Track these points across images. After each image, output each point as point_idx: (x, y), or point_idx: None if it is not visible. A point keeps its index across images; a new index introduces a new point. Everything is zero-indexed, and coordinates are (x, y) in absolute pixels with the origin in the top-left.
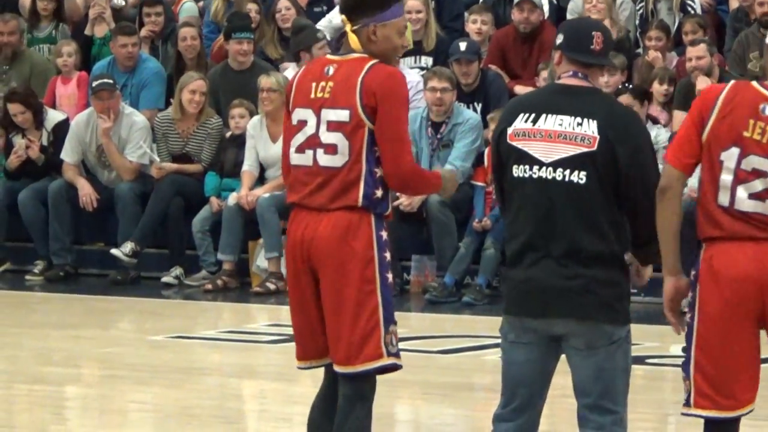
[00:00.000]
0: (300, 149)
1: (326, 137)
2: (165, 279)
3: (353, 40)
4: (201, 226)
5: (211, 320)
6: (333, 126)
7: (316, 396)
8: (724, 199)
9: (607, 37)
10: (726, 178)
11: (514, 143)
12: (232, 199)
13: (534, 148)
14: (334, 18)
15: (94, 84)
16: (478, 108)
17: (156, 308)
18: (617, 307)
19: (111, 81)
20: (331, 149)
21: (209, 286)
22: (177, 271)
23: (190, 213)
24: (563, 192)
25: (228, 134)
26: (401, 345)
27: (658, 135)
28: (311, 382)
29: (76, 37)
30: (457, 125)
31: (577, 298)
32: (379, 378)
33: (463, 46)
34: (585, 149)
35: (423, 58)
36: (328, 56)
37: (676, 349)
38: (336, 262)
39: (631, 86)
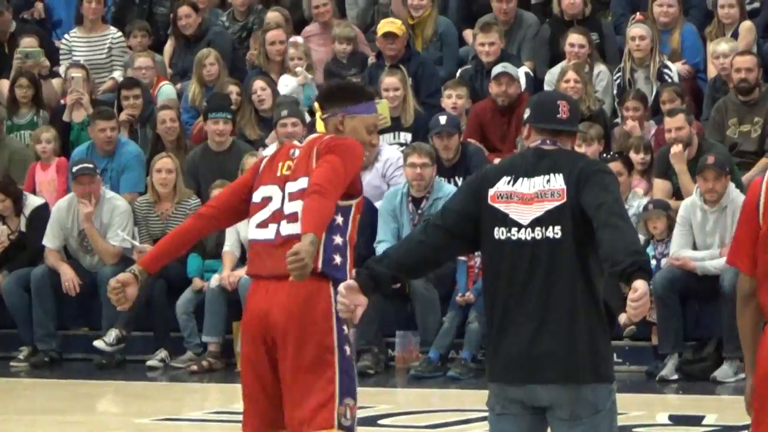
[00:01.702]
0: (263, 225)
1: (288, 207)
2: (150, 362)
3: (320, 126)
4: (185, 308)
5: (197, 401)
6: (294, 196)
7: None
8: None
9: (573, 105)
10: None
11: (496, 204)
12: (214, 280)
13: (513, 211)
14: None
15: (75, 169)
16: (459, 182)
17: (142, 391)
18: (599, 365)
19: (91, 165)
20: (293, 217)
21: (195, 368)
22: (162, 353)
23: (174, 295)
24: (541, 251)
25: None
26: (388, 421)
27: (640, 205)
28: None
29: (55, 123)
30: (438, 200)
31: (558, 361)
32: None
33: (443, 119)
34: (557, 203)
35: (402, 134)
36: (295, 142)
37: (663, 417)
38: (294, 331)
39: (618, 155)
